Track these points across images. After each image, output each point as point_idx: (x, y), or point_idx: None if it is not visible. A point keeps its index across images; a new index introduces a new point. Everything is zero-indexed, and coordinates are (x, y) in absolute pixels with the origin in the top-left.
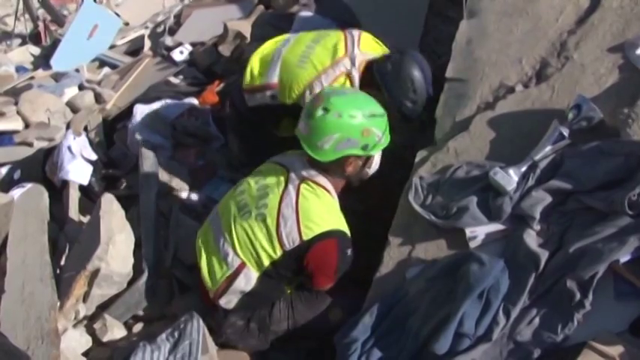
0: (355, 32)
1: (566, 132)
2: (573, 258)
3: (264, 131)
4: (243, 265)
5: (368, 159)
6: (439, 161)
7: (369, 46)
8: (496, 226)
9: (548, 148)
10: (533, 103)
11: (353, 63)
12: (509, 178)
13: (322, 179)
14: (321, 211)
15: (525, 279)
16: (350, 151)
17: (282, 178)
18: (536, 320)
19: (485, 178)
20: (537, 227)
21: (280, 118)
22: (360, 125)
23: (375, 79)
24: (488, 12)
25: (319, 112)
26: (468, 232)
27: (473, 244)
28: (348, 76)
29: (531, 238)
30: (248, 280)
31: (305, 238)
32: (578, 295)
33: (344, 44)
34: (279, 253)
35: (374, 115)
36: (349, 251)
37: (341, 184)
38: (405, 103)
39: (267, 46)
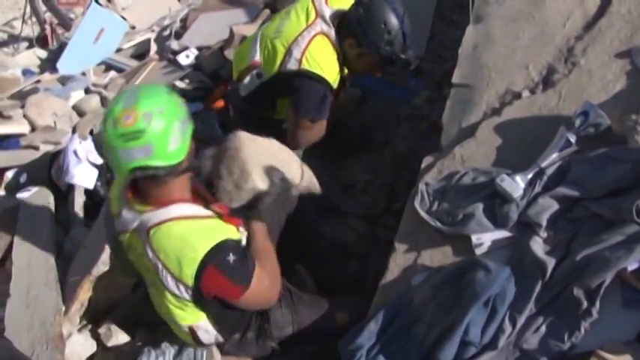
0: None
1: (573, 138)
2: (580, 266)
3: (264, 122)
4: (191, 327)
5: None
6: (445, 167)
7: (338, 1)
8: (502, 233)
9: (554, 155)
10: (540, 109)
11: (325, 20)
12: (516, 184)
13: (162, 213)
14: (180, 249)
15: (532, 286)
16: (189, 128)
17: (138, 247)
18: (543, 328)
19: (492, 185)
20: (544, 234)
21: (274, 100)
22: (175, 99)
23: (350, 29)
24: (494, 17)
25: (142, 124)
26: (474, 238)
27: (479, 251)
28: (324, 34)
29: (538, 246)
30: (207, 329)
31: (190, 284)
32: (585, 304)
33: (313, 6)
34: (190, 305)
35: (168, 90)
36: (230, 257)
37: (187, 183)
38: (381, 45)
39: (248, 37)
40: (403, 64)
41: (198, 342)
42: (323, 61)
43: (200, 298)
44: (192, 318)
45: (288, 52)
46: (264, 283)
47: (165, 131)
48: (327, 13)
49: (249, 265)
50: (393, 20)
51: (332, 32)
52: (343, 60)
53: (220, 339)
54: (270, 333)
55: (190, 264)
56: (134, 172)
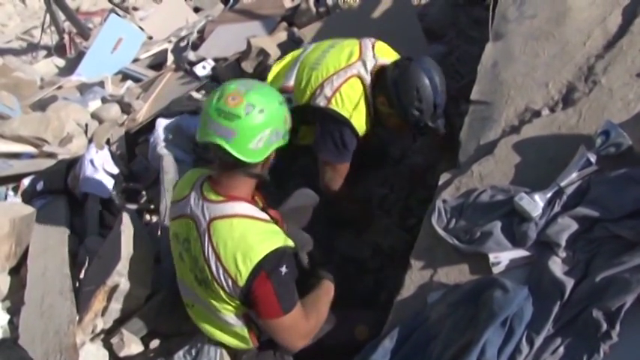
0: (370, 39)
1: (593, 158)
2: (600, 287)
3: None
4: (246, 315)
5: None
6: (463, 185)
7: (384, 53)
8: (520, 252)
9: (574, 174)
10: (560, 127)
11: (365, 66)
12: (535, 203)
13: (230, 207)
14: (239, 247)
15: (550, 307)
16: (278, 143)
17: (195, 234)
18: (561, 350)
19: (510, 203)
20: (563, 254)
21: (297, 126)
22: (280, 115)
23: (385, 87)
24: (514, 35)
25: (242, 112)
26: (492, 257)
27: (496, 270)
28: (360, 78)
29: (556, 266)
30: None
31: (241, 284)
32: (604, 326)
33: (359, 49)
34: (237, 301)
35: (282, 102)
36: (283, 269)
37: (252, 189)
38: (410, 110)
39: (287, 57)
40: (431, 132)
41: (256, 332)
42: (352, 104)
43: (243, 300)
44: (241, 310)
45: (321, 87)
46: (301, 323)
47: (254, 128)
48: (370, 60)
49: (295, 294)
50: (427, 88)
51: (368, 79)
52: (374, 113)
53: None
54: None
55: (246, 264)
56: (209, 147)
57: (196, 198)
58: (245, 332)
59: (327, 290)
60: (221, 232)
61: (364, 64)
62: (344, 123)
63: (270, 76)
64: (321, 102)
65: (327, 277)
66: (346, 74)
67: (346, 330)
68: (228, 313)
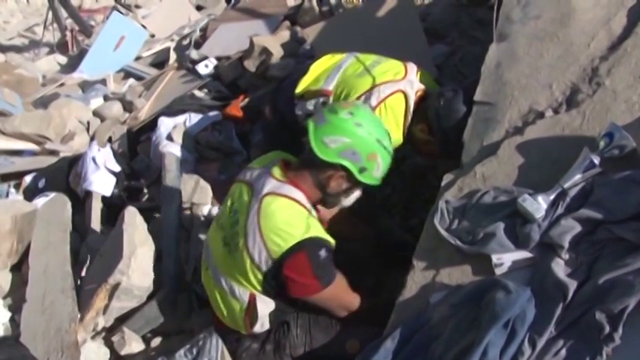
0: (414, 65)
1: (597, 160)
2: (603, 289)
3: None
4: (252, 295)
5: (350, 188)
6: (466, 185)
7: (425, 79)
8: (523, 254)
9: (578, 176)
10: (563, 129)
11: (412, 86)
12: (538, 205)
13: (289, 189)
14: (286, 223)
15: (552, 309)
16: (348, 163)
17: (246, 199)
18: (563, 352)
19: (513, 205)
20: (566, 256)
21: None
22: (372, 145)
23: (426, 115)
24: (518, 36)
25: (343, 113)
26: (495, 258)
27: (499, 271)
28: (406, 96)
29: (559, 267)
30: (266, 303)
31: (275, 256)
32: (607, 328)
33: (404, 69)
34: (260, 276)
35: (386, 148)
36: (323, 252)
37: (315, 197)
38: (451, 140)
39: (326, 60)
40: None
41: (251, 318)
42: (394, 118)
43: (273, 273)
44: (257, 284)
45: (366, 95)
46: (343, 294)
47: (338, 128)
48: (415, 82)
49: (334, 270)
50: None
51: (413, 99)
52: (408, 135)
53: (267, 325)
54: (285, 349)
55: (287, 239)
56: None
57: (263, 171)
58: (242, 311)
59: (374, 307)
60: (272, 206)
61: (410, 84)
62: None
63: (309, 77)
64: None
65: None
66: (394, 87)
67: (338, 343)
68: (238, 285)
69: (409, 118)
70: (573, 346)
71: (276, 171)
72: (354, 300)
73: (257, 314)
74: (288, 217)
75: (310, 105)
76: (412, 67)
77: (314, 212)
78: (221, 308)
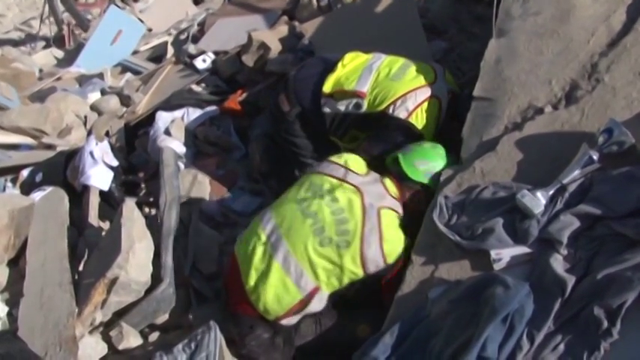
0: (440, 66)
1: (595, 156)
2: (601, 285)
3: (320, 141)
4: (317, 288)
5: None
6: (465, 181)
7: (450, 79)
8: (522, 249)
9: (577, 172)
10: (563, 125)
11: (443, 90)
12: (537, 200)
13: (397, 205)
14: (400, 236)
15: (551, 304)
16: (430, 183)
17: (357, 203)
18: (561, 347)
19: (512, 200)
20: (564, 252)
21: (348, 129)
22: (444, 166)
23: (456, 112)
24: (518, 32)
25: (428, 144)
26: (493, 254)
27: (497, 267)
28: (439, 100)
29: (558, 263)
30: (321, 301)
31: (390, 261)
32: (605, 323)
33: (434, 73)
34: (361, 274)
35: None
36: None
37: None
38: None
39: (352, 58)
40: None
41: (297, 310)
42: (429, 123)
43: (371, 276)
44: (336, 282)
45: (402, 99)
46: None
47: (425, 154)
48: (445, 85)
49: None
50: None
51: (445, 102)
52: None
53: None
54: (294, 340)
55: (399, 250)
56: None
57: (373, 180)
58: (294, 300)
59: None
60: (389, 219)
61: (442, 88)
62: (415, 138)
63: (337, 76)
64: (400, 114)
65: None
66: (428, 93)
67: (349, 328)
68: (312, 275)
69: (442, 120)
70: (571, 341)
71: (390, 186)
72: None
73: (307, 308)
74: (399, 230)
75: (342, 105)
76: (440, 70)
77: None
78: (265, 288)
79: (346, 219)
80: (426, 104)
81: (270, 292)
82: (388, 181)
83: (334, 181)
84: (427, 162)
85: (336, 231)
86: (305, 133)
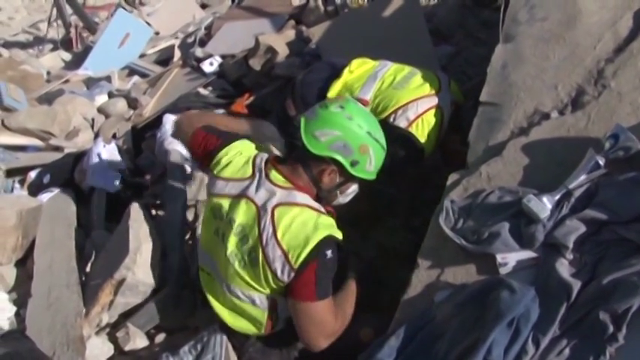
0: (446, 75)
1: (602, 161)
2: (607, 290)
3: None
4: (274, 300)
5: (344, 183)
6: (471, 185)
7: (455, 89)
8: (528, 254)
9: (582, 177)
10: (569, 130)
11: (447, 100)
12: (543, 205)
13: (296, 196)
14: (301, 230)
15: (556, 308)
16: (339, 156)
17: (253, 214)
18: (567, 351)
19: (518, 205)
20: (570, 256)
21: None
22: (363, 138)
23: (460, 123)
24: (524, 37)
25: (334, 107)
26: (499, 258)
27: (503, 271)
28: (442, 110)
29: (564, 267)
30: (284, 303)
31: (296, 266)
32: (611, 328)
33: (438, 83)
34: (281, 283)
35: (378, 140)
36: (329, 253)
37: (312, 194)
38: None
39: (359, 65)
40: None
41: (274, 321)
42: (431, 134)
43: (293, 279)
44: (278, 290)
45: (403, 108)
46: (328, 318)
47: (328, 121)
48: (449, 96)
49: (330, 286)
50: None
51: (448, 113)
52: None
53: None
54: (293, 343)
55: (305, 248)
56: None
57: (260, 181)
58: (264, 317)
59: (352, 291)
60: (284, 217)
61: (445, 98)
62: (415, 149)
63: (342, 82)
64: (401, 122)
65: (352, 278)
66: (431, 103)
67: (352, 332)
68: (259, 294)
69: (444, 131)
70: (577, 346)
71: (275, 176)
72: (340, 325)
73: (279, 316)
74: (301, 225)
75: None
76: (445, 80)
77: (322, 208)
78: (233, 316)
79: (246, 237)
80: (427, 114)
81: (244, 323)
82: (273, 173)
83: (231, 199)
84: (332, 131)
85: (241, 252)
86: None
